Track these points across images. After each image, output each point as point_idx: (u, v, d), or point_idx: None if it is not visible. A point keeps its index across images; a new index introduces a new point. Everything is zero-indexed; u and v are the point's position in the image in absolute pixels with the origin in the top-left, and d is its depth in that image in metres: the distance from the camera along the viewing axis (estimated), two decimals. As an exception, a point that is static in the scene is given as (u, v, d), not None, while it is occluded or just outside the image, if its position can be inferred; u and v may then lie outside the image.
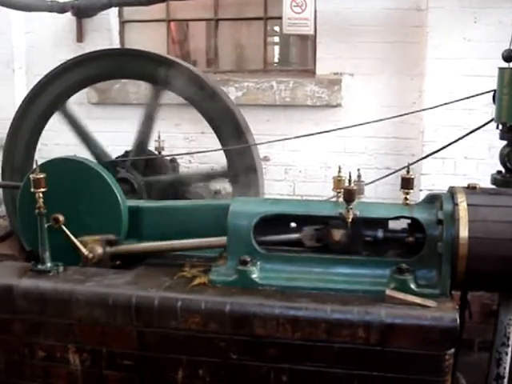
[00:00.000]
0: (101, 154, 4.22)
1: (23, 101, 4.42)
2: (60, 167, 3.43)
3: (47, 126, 4.47)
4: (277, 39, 6.40)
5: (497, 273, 2.84)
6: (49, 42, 5.89)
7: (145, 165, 4.28)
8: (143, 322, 2.90)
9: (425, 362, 2.66)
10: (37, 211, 3.13)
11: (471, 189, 2.99)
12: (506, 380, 3.15)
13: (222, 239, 3.12)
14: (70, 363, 3.03)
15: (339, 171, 3.05)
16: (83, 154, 4.06)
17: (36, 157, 4.45)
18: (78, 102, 4.97)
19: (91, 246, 3.31)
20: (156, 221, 3.48)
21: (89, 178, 3.40)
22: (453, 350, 2.67)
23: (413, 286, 2.82)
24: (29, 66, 5.96)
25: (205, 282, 3.03)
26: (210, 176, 4.41)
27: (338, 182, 3.04)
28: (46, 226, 3.18)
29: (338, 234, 2.98)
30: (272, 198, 3.78)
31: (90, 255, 3.29)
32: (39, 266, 3.20)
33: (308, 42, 5.88)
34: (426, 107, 4.48)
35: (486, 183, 3.23)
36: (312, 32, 5.39)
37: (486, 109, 3.42)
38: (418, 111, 4.57)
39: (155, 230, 3.47)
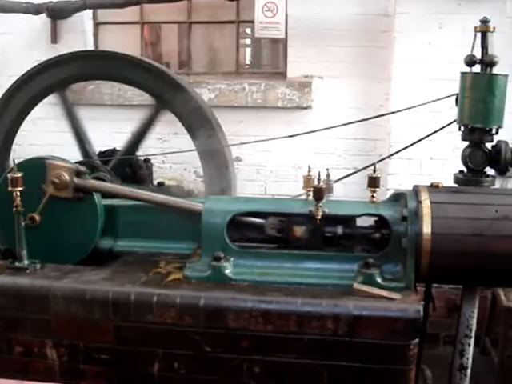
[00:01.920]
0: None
1: (-2, 102, 4.44)
2: (36, 166, 3.48)
3: (21, 127, 4.50)
4: (249, 42, 6.47)
5: (459, 267, 2.97)
6: (23, 42, 5.87)
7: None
8: (120, 316, 2.97)
9: (391, 351, 2.78)
10: (14, 210, 3.19)
11: (434, 187, 3.12)
12: (468, 370, 3.28)
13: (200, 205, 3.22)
14: (48, 358, 3.09)
15: (309, 171, 3.17)
16: (58, 153, 4.10)
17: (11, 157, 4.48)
18: (52, 103, 4.98)
19: (59, 172, 3.35)
20: (131, 219, 3.55)
21: (65, 177, 3.46)
22: (417, 340, 2.80)
23: (379, 279, 2.95)
24: (2, 67, 5.91)
25: (179, 278, 3.12)
26: (151, 119, 4.40)
27: (307, 181, 3.16)
28: (23, 224, 3.24)
29: (299, 231, 3.12)
30: (244, 196, 3.88)
31: (57, 181, 3.34)
32: (16, 264, 3.25)
33: (279, 46, 5.96)
34: (392, 110, 4.60)
35: (450, 183, 3.35)
36: (283, 36, 5.47)
37: (451, 111, 3.52)
38: (386, 114, 4.67)
39: (130, 228, 3.55)
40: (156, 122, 4.30)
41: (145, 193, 3.48)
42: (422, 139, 3.72)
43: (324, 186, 3.03)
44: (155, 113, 4.28)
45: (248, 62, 6.48)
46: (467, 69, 3.38)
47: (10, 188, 3.17)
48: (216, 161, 4.23)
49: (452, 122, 3.46)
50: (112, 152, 4.44)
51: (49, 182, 3.36)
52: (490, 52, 3.33)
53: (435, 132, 3.64)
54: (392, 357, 2.79)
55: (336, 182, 3.63)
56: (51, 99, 4.65)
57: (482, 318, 4.36)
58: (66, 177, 3.36)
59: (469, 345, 3.27)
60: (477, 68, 3.37)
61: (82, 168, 3.44)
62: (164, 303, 2.93)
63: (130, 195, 3.46)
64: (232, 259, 3.11)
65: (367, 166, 3.26)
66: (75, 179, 3.38)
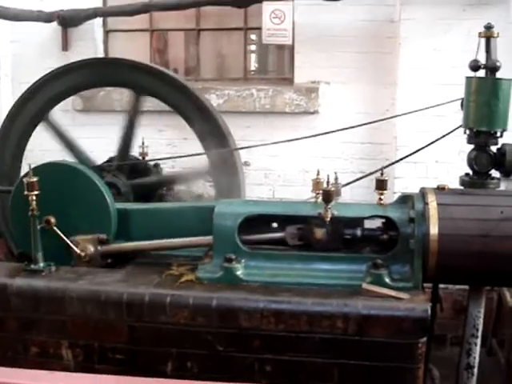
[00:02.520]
0: (85, 160, 4.32)
1: (11, 108, 4.51)
2: (51, 171, 3.56)
3: (33, 133, 4.58)
4: (254, 48, 6.53)
5: (465, 267, 3.04)
6: (34, 50, 5.95)
7: (129, 169, 4.40)
8: (134, 317, 3.05)
9: (399, 350, 2.85)
10: (30, 213, 3.26)
11: (440, 189, 3.20)
12: (475, 369, 3.33)
13: (209, 238, 3.28)
14: (63, 358, 3.16)
15: (317, 174, 3.23)
16: (69, 160, 4.18)
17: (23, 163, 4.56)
18: (63, 109, 5.07)
19: (83, 245, 3.45)
20: (143, 222, 3.62)
21: (79, 182, 3.54)
22: (425, 339, 2.86)
23: (387, 280, 3.02)
24: (15, 74, 6.01)
25: (192, 279, 3.19)
26: (193, 175, 4.51)
27: (316, 184, 3.22)
28: (38, 227, 3.31)
29: (319, 233, 3.15)
30: (254, 199, 3.94)
31: (83, 254, 3.43)
32: (32, 266, 3.33)
33: (286, 52, 6.02)
34: (398, 114, 4.67)
35: (456, 185, 3.41)
36: (290, 42, 5.53)
37: (456, 115, 3.57)
38: (392, 117, 4.74)
39: (142, 231, 3.61)
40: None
41: (163, 242, 3.52)
42: (429, 144, 3.78)
43: (333, 189, 3.10)
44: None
45: (256, 68, 6.53)
46: (472, 73, 3.44)
47: (25, 192, 3.24)
48: (225, 165, 4.30)
49: (458, 127, 3.52)
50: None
51: (76, 256, 3.45)
52: (494, 57, 3.40)
53: (442, 137, 3.70)
54: (400, 355, 2.85)
55: (345, 185, 3.69)
56: (63, 106, 4.74)
57: (489, 318, 4.40)
58: (92, 249, 3.46)
59: (475, 344, 3.31)
60: (482, 73, 3.44)
61: (102, 236, 3.51)
62: (177, 304, 3.00)
63: (150, 248, 3.55)
64: (243, 261, 3.18)
65: (376, 171, 3.32)
66: (99, 248, 3.48)
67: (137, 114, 4.39)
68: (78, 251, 3.42)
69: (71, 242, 3.43)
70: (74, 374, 2.48)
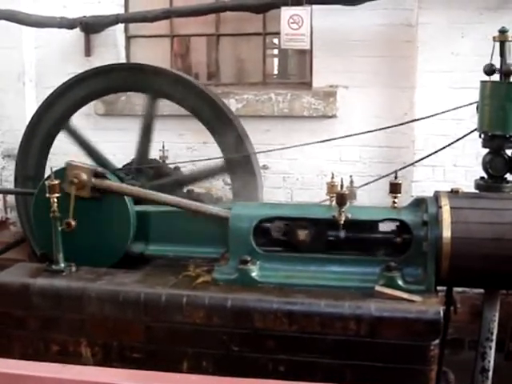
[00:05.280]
0: (106, 163, 4.40)
1: (35, 112, 4.63)
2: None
3: (57, 136, 4.68)
4: (276, 52, 6.58)
5: (478, 270, 3.05)
6: (58, 56, 6.07)
7: (150, 173, 4.48)
8: (151, 317, 3.11)
9: (411, 352, 2.87)
10: (51, 215, 3.34)
11: (454, 193, 3.21)
12: (490, 373, 3.33)
13: (227, 211, 3.34)
14: (82, 356, 3.23)
15: (332, 177, 3.27)
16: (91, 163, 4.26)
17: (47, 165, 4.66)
18: (85, 114, 5.18)
19: (77, 172, 3.48)
20: (161, 224, 3.69)
21: (99, 184, 3.61)
22: (437, 341, 2.88)
23: (400, 282, 3.04)
24: (39, 79, 6.14)
25: (208, 280, 3.25)
26: (209, 173, 4.57)
27: (331, 187, 3.26)
28: (59, 228, 3.40)
29: (302, 234, 3.21)
30: (270, 202, 3.99)
31: (75, 180, 3.47)
32: (53, 266, 3.41)
33: (305, 56, 6.06)
34: (417, 118, 4.68)
35: (473, 189, 3.43)
36: (308, 47, 5.56)
37: (473, 119, 3.57)
38: (410, 121, 4.75)
39: (161, 233, 3.68)
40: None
41: (163, 195, 3.56)
42: (444, 148, 3.80)
43: (347, 192, 3.13)
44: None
45: (275, 71, 6.58)
46: (487, 78, 3.45)
47: (47, 194, 3.33)
48: (243, 168, 4.35)
49: (473, 131, 3.53)
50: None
51: (68, 181, 3.48)
52: (509, 61, 3.41)
53: (456, 141, 3.71)
54: (413, 357, 2.87)
55: (358, 188, 3.72)
56: (85, 110, 4.84)
57: (507, 323, 4.39)
58: (84, 177, 3.50)
59: (490, 348, 3.31)
60: (497, 77, 3.44)
61: (100, 169, 3.58)
62: (193, 304, 3.06)
63: (145, 197, 3.57)
64: (258, 262, 3.23)
65: (390, 173, 3.35)
66: (93, 179, 3.51)
67: (153, 117, 4.47)
68: (70, 178, 3.45)
69: (66, 164, 3.48)
70: (88, 368, 2.54)
